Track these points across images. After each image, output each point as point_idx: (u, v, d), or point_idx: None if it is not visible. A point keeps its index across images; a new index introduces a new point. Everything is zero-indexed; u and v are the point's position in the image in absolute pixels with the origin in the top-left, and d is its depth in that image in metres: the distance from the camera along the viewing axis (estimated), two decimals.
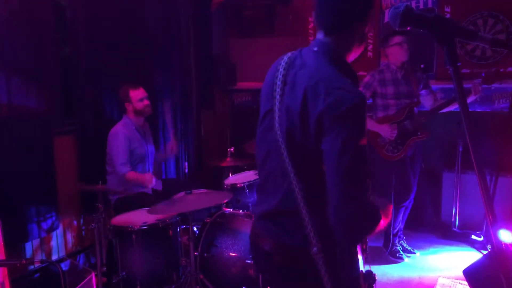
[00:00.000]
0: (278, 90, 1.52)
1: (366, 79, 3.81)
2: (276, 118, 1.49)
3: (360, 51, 1.58)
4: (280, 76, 1.53)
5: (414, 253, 3.97)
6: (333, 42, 1.50)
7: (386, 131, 3.70)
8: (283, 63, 1.56)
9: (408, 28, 1.12)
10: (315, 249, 1.43)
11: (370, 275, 1.65)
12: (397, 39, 3.66)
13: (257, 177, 3.67)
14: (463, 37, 1.12)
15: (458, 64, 1.07)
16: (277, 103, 1.50)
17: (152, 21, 4.33)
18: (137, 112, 3.60)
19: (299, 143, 1.44)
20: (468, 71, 4.42)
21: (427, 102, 3.87)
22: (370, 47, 4.88)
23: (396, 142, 3.73)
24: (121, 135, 3.50)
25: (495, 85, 4.26)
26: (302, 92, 1.42)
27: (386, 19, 4.71)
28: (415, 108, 3.77)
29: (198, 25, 5.04)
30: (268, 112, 1.56)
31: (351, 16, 1.48)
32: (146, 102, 3.61)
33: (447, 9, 4.39)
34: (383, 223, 1.54)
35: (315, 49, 1.52)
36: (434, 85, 4.54)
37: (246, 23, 5.50)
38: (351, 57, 1.57)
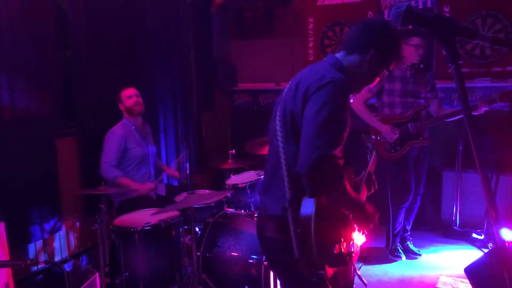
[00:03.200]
0: (287, 85, 1.82)
1: None
2: (281, 103, 1.78)
3: (369, 84, 1.81)
4: (290, 81, 1.83)
5: (420, 254, 3.94)
6: (342, 57, 1.76)
7: (387, 133, 3.67)
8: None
9: (410, 27, 1.13)
10: (286, 203, 1.64)
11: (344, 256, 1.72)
12: (414, 40, 3.60)
13: (259, 177, 3.71)
14: (463, 35, 1.14)
15: (460, 62, 1.09)
16: (284, 94, 1.80)
17: (152, 23, 4.34)
18: (128, 111, 3.62)
19: (290, 115, 1.69)
20: (467, 70, 4.45)
21: (432, 107, 3.83)
22: None
23: (395, 142, 3.71)
24: (116, 135, 3.52)
25: (497, 84, 4.29)
26: (300, 78, 1.73)
27: (386, 18, 4.73)
28: (423, 112, 3.74)
29: (198, 27, 5.06)
30: (277, 104, 1.83)
31: (366, 41, 1.72)
32: (135, 99, 3.62)
33: (446, 9, 4.42)
34: (364, 225, 1.79)
35: (325, 59, 1.82)
36: None
37: (246, 25, 5.52)
38: (358, 83, 1.79)
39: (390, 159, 3.74)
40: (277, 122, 1.74)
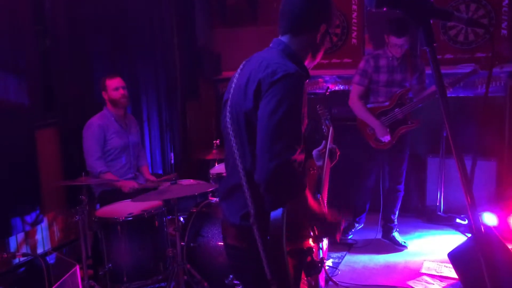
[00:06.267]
0: (234, 79, 1.66)
1: (361, 65, 3.75)
2: (228, 103, 1.63)
3: (318, 59, 1.71)
4: (238, 70, 1.68)
5: (406, 247, 3.89)
6: (288, 41, 1.64)
7: (379, 131, 3.66)
8: (244, 61, 1.70)
9: (384, 9, 1.11)
10: (252, 218, 1.51)
11: (314, 265, 1.61)
12: (395, 40, 3.53)
13: None
14: (438, 17, 1.11)
15: (434, 44, 1.07)
16: (231, 91, 1.63)
17: (134, 11, 4.26)
18: (113, 102, 3.56)
19: (242, 116, 1.55)
20: (451, 56, 4.45)
21: (415, 95, 3.82)
22: (354, 34, 4.88)
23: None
24: (94, 126, 3.46)
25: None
26: (249, 73, 1.57)
27: None
28: (407, 95, 3.73)
29: (181, 15, 4.98)
30: (225, 103, 1.67)
31: (316, 17, 1.61)
32: (122, 91, 3.55)
33: None
34: (331, 234, 1.66)
35: (271, 45, 1.68)
36: None
37: (230, 12, 5.46)
38: (310, 63, 1.68)
39: (383, 149, 3.75)
40: (229, 126, 1.59)
